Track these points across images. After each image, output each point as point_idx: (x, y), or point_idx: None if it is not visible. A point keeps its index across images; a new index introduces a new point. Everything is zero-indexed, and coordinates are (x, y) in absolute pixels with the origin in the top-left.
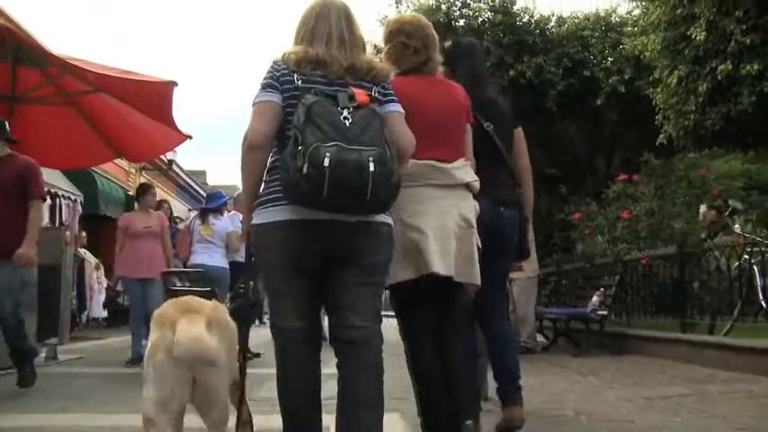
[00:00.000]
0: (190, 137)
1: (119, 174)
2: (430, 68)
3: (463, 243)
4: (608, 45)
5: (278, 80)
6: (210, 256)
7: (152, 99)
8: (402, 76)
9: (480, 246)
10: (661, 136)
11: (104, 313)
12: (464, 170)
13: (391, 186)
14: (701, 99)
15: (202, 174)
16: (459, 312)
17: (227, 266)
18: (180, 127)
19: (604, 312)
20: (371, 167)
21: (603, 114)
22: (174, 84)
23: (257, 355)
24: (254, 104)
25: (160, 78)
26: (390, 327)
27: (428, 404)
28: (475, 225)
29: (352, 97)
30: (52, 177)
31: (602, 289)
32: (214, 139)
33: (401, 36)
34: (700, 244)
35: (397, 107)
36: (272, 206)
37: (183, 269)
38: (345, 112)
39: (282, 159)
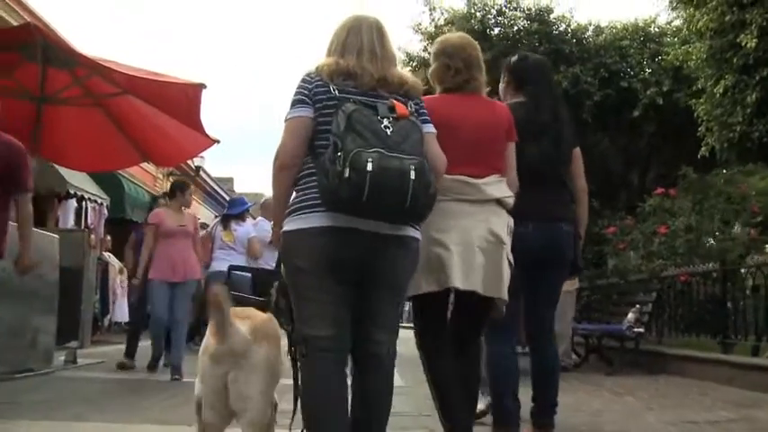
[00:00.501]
0: (217, 141)
1: (146, 179)
2: (472, 87)
3: (492, 258)
4: (646, 56)
5: (310, 92)
6: (232, 263)
7: (180, 102)
8: (443, 94)
9: (512, 261)
10: (703, 149)
11: (127, 317)
12: (496, 186)
13: (429, 196)
14: (748, 110)
15: (230, 181)
16: (477, 325)
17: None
18: (208, 132)
19: (641, 330)
20: (412, 175)
21: (640, 127)
22: (202, 86)
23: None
24: (285, 120)
25: (188, 80)
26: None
27: (449, 413)
28: (505, 240)
29: (392, 108)
30: (79, 180)
31: (637, 306)
32: (242, 146)
33: (443, 57)
34: (739, 261)
35: (430, 128)
36: (308, 212)
37: (251, 267)
38: (386, 122)
39: (320, 165)
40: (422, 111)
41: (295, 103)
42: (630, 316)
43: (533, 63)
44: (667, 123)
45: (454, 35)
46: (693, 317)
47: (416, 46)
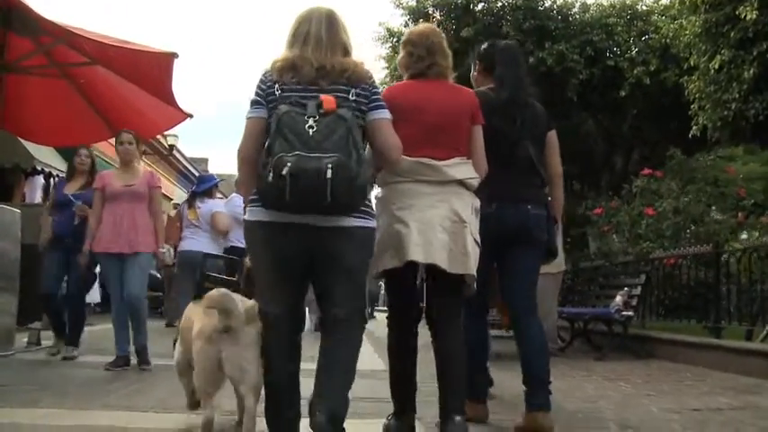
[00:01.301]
0: (190, 116)
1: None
2: (435, 72)
3: (456, 236)
4: (634, 34)
5: (264, 92)
6: (197, 241)
7: (151, 72)
8: (408, 80)
9: (479, 240)
10: (694, 128)
11: (98, 299)
12: (458, 167)
13: (354, 189)
14: (744, 86)
15: (204, 161)
16: (453, 302)
17: (216, 251)
18: (181, 106)
19: (630, 313)
20: (329, 174)
21: (625, 107)
22: (174, 55)
23: None
24: (246, 118)
25: (159, 49)
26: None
27: (396, 389)
28: (468, 219)
29: (320, 105)
30: (46, 155)
31: (626, 288)
32: (217, 128)
33: (408, 46)
34: (723, 244)
35: (382, 113)
36: (256, 206)
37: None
38: (311, 121)
39: (258, 169)
40: (373, 95)
41: (252, 104)
42: (618, 299)
43: (501, 47)
44: (653, 103)
45: (418, 27)
46: (682, 300)
47: (398, 20)
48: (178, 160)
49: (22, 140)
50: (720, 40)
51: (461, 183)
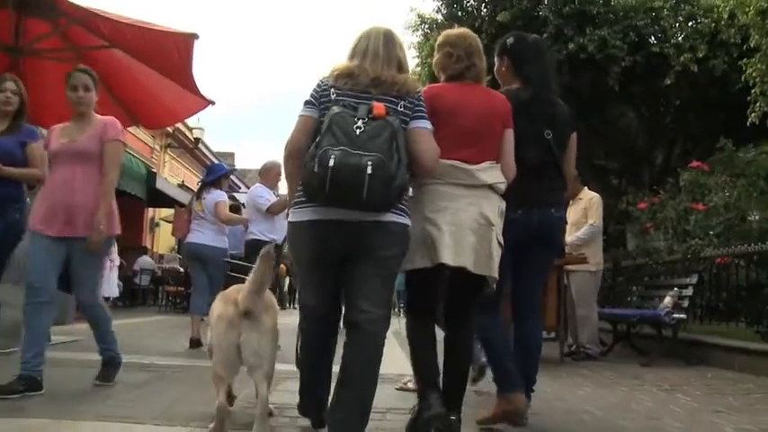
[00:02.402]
0: (212, 102)
1: (143, 150)
2: (473, 74)
3: (483, 239)
4: (680, 18)
5: (318, 96)
6: (203, 234)
7: (171, 56)
8: (445, 83)
9: (502, 242)
10: (753, 115)
11: (116, 293)
12: (489, 172)
13: (390, 189)
14: None
15: (230, 156)
16: (471, 301)
17: (221, 244)
18: (203, 92)
19: (682, 316)
20: (369, 170)
21: (668, 97)
22: (194, 36)
23: None
24: (298, 116)
25: (178, 30)
26: None
27: (422, 373)
28: (495, 223)
29: (370, 109)
30: None
31: (675, 289)
32: (245, 123)
33: (447, 47)
34: None
35: (423, 123)
36: (300, 207)
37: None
38: (360, 122)
39: (305, 161)
40: (417, 107)
41: (305, 104)
42: (668, 300)
43: (531, 44)
44: (699, 94)
45: (454, 30)
46: (732, 302)
47: (430, 6)
48: (204, 154)
49: (42, 129)
50: None
51: (491, 187)
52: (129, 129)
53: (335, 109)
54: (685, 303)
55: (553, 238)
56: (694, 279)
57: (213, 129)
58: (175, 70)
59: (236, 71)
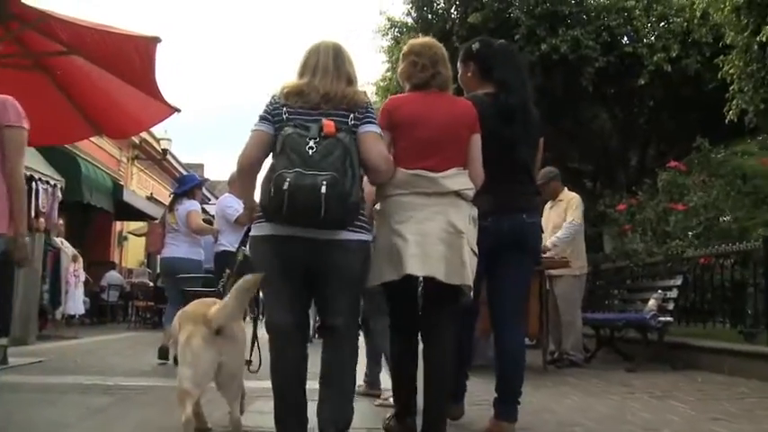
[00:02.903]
0: (178, 110)
1: (109, 162)
2: (438, 83)
3: (453, 248)
4: (653, 18)
5: (271, 113)
6: (177, 247)
7: (132, 61)
8: (408, 93)
9: (476, 250)
10: (730, 113)
11: (82, 310)
12: (454, 179)
13: (346, 206)
14: None
15: (200, 167)
16: (447, 312)
17: (195, 257)
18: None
19: (668, 319)
20: (323, 189)
21: (642, 98)
22: (156, 40)
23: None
24: (251, 130)
25: (140, 33)
26: None
27: (399, 394)
28: (465, 230)
29: (321, 128)
30: (28, 159)
31: (660, 291)
32: (213, 133)
33: (411, 56)
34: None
35: (372, 127)
36: (260, 222)
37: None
38: (312, 142)
39: (262, 184)
40: (367, 115)
41: (260, 119)
42: (652, 303)
43: (499, 48)
44: (673, 94)
45: (419, 39)
46: (715, 303)
47: (399, 9)
48: (173, 165)
49: None
50: (766, 13)
51: (458, 194)
52: (93, 139)
53: (288, 130)
54: (670, 306)
55: (527, 243)
56: (678, 281)
57: (180, 139)
58: (137, 76)
59: (201, 79)
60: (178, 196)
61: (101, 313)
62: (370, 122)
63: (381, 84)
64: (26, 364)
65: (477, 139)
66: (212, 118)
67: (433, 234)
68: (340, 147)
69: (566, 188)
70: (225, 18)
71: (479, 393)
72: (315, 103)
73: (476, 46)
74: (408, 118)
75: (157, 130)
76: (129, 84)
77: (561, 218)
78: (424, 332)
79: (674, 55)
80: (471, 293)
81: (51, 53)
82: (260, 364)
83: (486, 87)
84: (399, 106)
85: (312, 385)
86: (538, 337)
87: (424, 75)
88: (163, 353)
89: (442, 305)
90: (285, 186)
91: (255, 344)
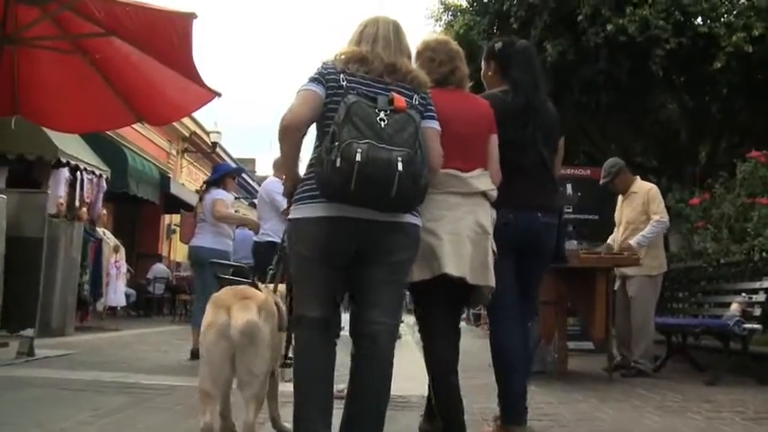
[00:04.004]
0: (219, 94)
1: (159, 155)
2: (457, 78)
3: (478, 248)
4: None
5: (324, 77)
6: (202, 237)
7: (170, 40)
8: (432, 89)
9: (496, 250)
10: None
11: (123, 302)
12: (481, 179)
13: (418, 188)
14: None
15: (251, 162)
16: (458, 312)
17: (221, 247)
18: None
19: (755, 326)
20: (400, 167)
21: (715, 84)
22: (192, 16)
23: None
24: (297, 92)
25: (175, 9)
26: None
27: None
28: (490, 231)
29: (391, 101)
30: (73, 147)
31: (743, 294)
32: (267, 131)
33: (428, 52)
34: None
35: (435, 124)
36: (309, 203)
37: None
38: (382, 114)
39: (319, 155)
40: (429, 105)
41: (310, 80)
42: (735, 308)
43: (519, 48)
44: (752, 78)
45: (432, 36)
46: None
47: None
48: (223, 160)
49: (46, 129)
50: None
51: (484, 194)
52: (142, 131)
53: (352, 98)
54: (756, 311)
55: (540, 243)
56: (767, 283)
57: (233, 135)
58: (175, 57)
59: (258, 75)
60: (209, 184)
61: (147, 306)
62: (434, 117)
63: None
64: (53, 357)
65: (494, 139)
66: (267, 115)
67: (464, 234)
68: (412, 124)
69: (638, 178)
70: (284, 13)
71: (540, 405)
72: (378, 73)
73: (498, 45)
74: (440, 114)
75: (207, 122)
76: (168, 66)
77: (637, 212)
78: (433, 331)
79: (757, 34)
80: (490, 295)
81: (89, 35)
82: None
83: (504, 86)
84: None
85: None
86: (604, 343)
87: (442, 70)
88: (195, 355)
89: (454, 305)
90: (357, 158)
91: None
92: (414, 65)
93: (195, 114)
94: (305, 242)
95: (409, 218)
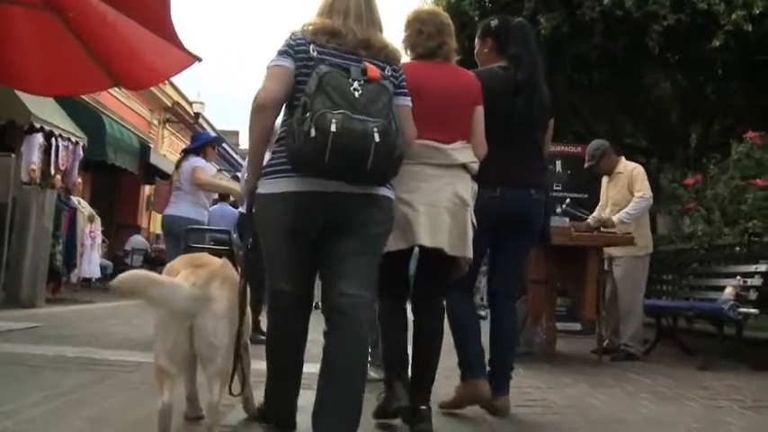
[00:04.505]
0: (199, 59)
1: (140, 124)
2: (444, 52)
3: (457, 219)
4: None
5: (293, 49)
6: (176, 205)
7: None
8: (415, 60)
9: (475, 223)
10: None
11: (98, 273)
12: (462, 151)
13: (393, 158)
14: None
15: (234, 134)
16: (441, 283)
17: (196, 216)
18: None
19: (751, 310)
20: (376, 138)
21: (711, 64)
22: None
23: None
24: (267, 68)
25: None
26: None
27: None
28: (470, 203)
29: (364, 71)
30: (48, 111)
31: (738, 278)
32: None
33: (417, 23)
34: None
35: (406, 101)
36: (278, 177)
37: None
38: (356, 84)
39: (289, 126)
40: (401, 79)
41: (279, 54)
42: (729, 291)
43: (516, 26)
44: (749, 59)
45: (425, 7)
46: None
47: None
48: (205, 130)
49: (19, 93)
50: None
51: (464, 166)
52: (122, 99)
53: (324, 68)
54: (752, 295)
55: (531, 221)
56: (763, 266)
57: (216, 107)
58: (152, 16)
59: (242, 46)
60: (187, 152)
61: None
62: (405, 94)
63: None
64: (17, 330)
65: (480, 111)
66: (252, 87)
67: (441, 205)
68: (386, 94)
69: (623, 158)
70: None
71: (528, 390)
72: (351, 47)
73: (494, 23)
74: (416, 86)
75: (190, 93)
76: (145, 26)
77: (622, 193)
78: (416, 303)
79: (758, 13)
80: (467, 267)
81: None
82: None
83: (501, 62)
84: (406, 74)
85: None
86: (594, 324)
87: (429, 44)
88: None
89: (437, 277)
90: (332, 128)
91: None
92: (403, 34)
93: (178, 84)
94: (273, 217)
95: (383, 190)
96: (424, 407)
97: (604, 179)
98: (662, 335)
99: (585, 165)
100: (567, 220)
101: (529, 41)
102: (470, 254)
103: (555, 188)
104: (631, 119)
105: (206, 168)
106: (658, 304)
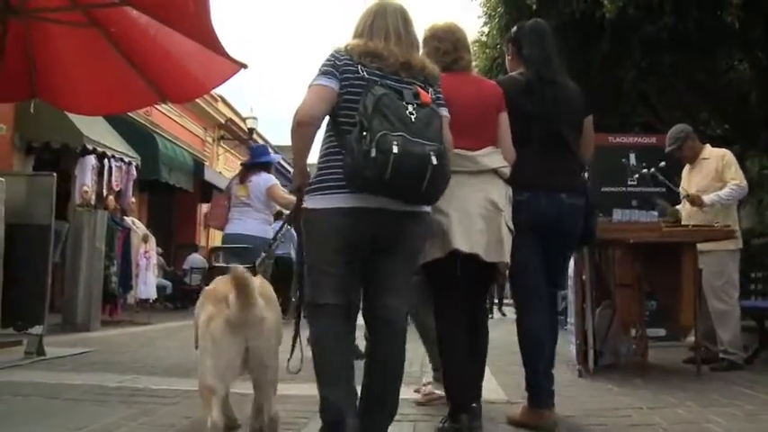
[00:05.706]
0: (245, 66)
1: (194, 142)
2: (460, 66)
3: (491, 224)
4: None
5: (338, 69)
6: (243, 223)
7: (186, 7)
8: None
9: (511, 227)
10: None
11: (154, 294)
12: (491, 157)
13: (445, 181)
14: None
15: (288, 149)
16: (483, 291)
17: (264, 235)
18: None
19: None
20: (434, 161)
21: None
22: None
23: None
24: (310, 86)
25: None
26: None
27: (451, 375)
28: (503, 208)
29: (416, 95)
30: (102, 135)
31: None
32: None
33: (434, 41)
34: None
35: (445, 112)
36: (330, 192)
37: (226, 246)
38: (410, 108)
39: (347, 144)
40: (440, 96)
41: (323, 74)
42: None
43: (529, 27)
44: None
45: (440, 22)
46: None
47: None
48: (262, 144)
49: (71, 115)
50: None
51: (495, 172)
52: (176, 118)
53: (379, 89)
54: None
55: (561, 226)
56: None
57: (269, 122)
58: (193, 25)
59: (292, 60)
60: (253, 167)
61: (183, 298)
62: (444, 106)
63: (483, 39)
64: (65, 357)
65: (504, 118)
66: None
67: (473, 211)
68: (438, 118)
69: (708, 145)
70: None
71: (628, 412)
72: (393, 70)
73: (513, 30)
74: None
75: (243, 109)
76: (187, 36)
77: (709, 179)
78: (464, 317)
79: None
80: (507, 272)
81: (102, 5)
82: (301, 363)
83: (521, 67)
84: None
85: None
86: (687, 331)
87: (446, 59)
88: None
89: (478, 284)
90: (395, 150)
91: (297, 340)
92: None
93: (230, 100)
94: (324, 232)
95: (425, 207)
96: (475, 405)
97: (686, 169)
98: (766, 339)
99: (666, 149)
100: (656, 214)
101: (543, 40)
102: (508, 258)
103: (630, 183)
104: (707, 105)
105: (279, 186)
106: (758, 305)
